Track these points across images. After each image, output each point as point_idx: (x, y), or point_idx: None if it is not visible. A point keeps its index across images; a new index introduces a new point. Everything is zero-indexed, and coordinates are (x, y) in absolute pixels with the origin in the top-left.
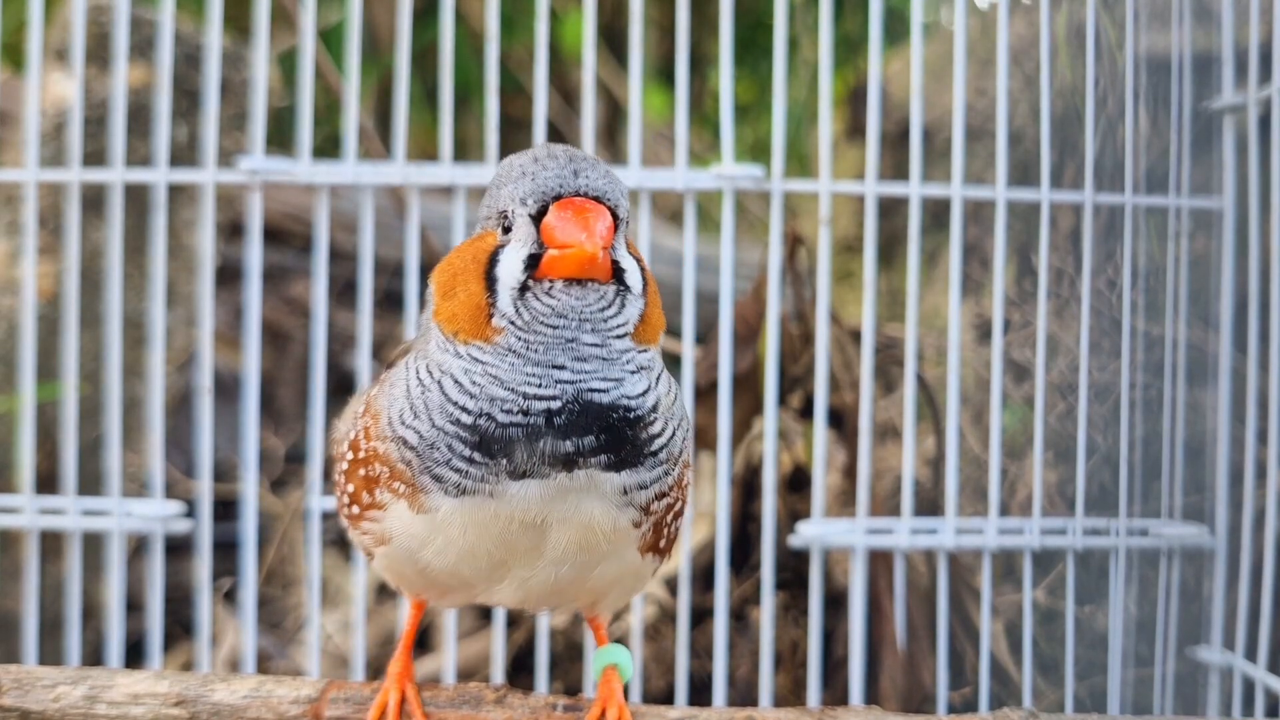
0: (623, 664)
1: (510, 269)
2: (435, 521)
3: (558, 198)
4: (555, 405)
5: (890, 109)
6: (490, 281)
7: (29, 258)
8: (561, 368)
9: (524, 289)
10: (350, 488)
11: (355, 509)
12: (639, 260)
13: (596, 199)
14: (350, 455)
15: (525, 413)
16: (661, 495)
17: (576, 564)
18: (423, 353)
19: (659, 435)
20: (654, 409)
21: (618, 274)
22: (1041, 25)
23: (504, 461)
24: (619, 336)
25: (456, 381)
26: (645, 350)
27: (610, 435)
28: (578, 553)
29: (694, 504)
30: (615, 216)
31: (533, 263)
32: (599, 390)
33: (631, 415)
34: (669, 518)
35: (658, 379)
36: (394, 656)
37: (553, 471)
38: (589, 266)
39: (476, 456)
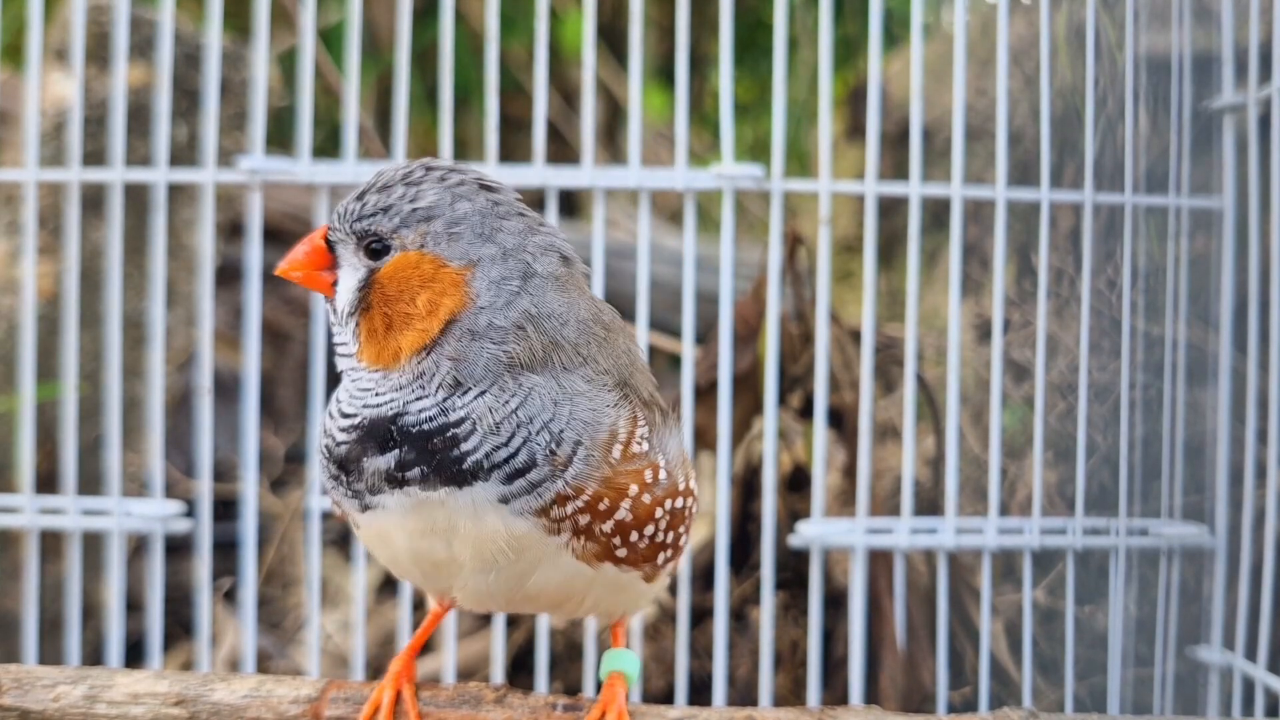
0: (629, 670)
1: None
2: (365, 535)
3: None
4: (356, 420)
5: (890, 109)
6: None
7: (29, 257)
8: (357, 382)
9: None
10: None
11: None
12: (376, 281)
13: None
14: None
15: (345, 430)
16: (564, 499)
17: (503, 573)
18: None
19: (477, 450)
20: (460, 423)
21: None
22: (1041, 25)
23: (354, 478)
24: (344, 355)
25: (329, 410)
26: (376, 371)
27: (413, 450)
28: (489, 560)
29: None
30: (346, 235)
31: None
32: (376, 405)
33: (415, 430)
34: (603, 525)
35: (468, 392)
36: (398, 654)
37: (387, 487)
38: (295, 279)
39: (341, 476)
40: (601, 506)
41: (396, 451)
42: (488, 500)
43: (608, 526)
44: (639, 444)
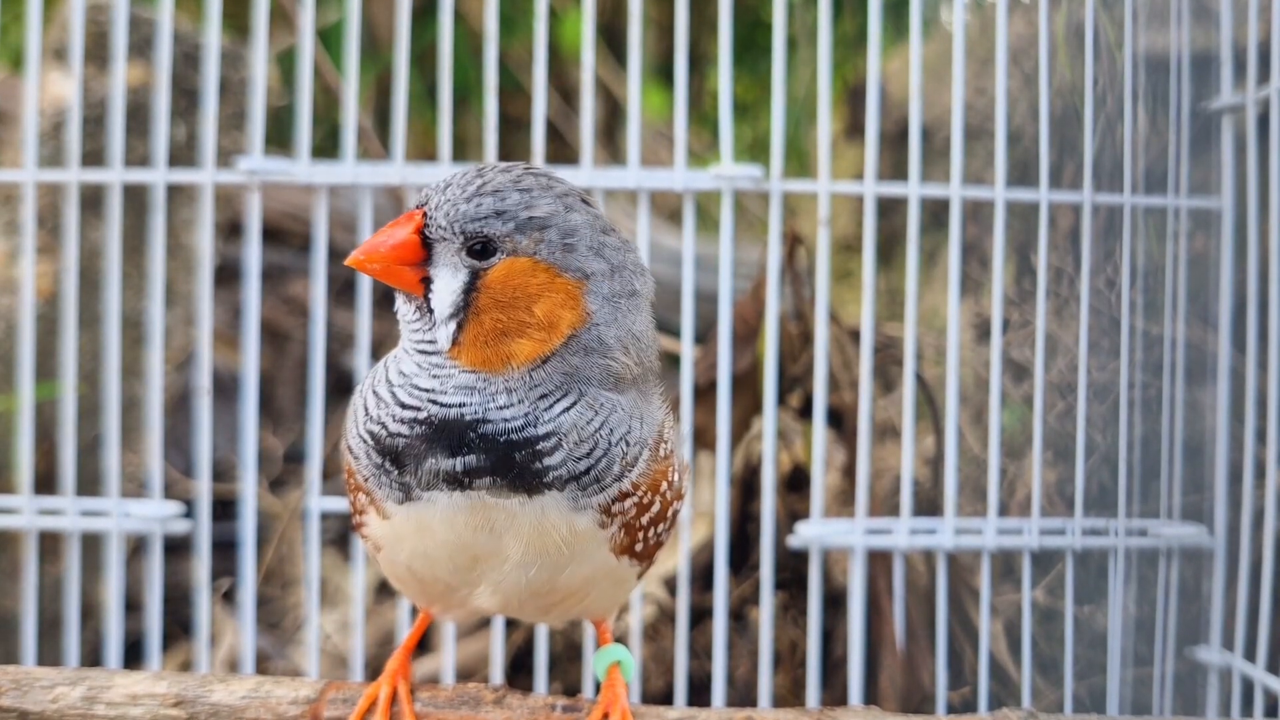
0: (624, 662)
1: None
2: (395, 527)
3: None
4: (420, 415)
5: (889, 108)
6: None
7: (28, 257)
8: (420, 377)
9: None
10: (350, 498)
11: (356, 517)
12: (487, 284)
13: (427, 210)
14: (346, 472)
15: (398, 420)
16: (623, 496)
17: (544, 565)
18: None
19: (563, 464)
20: (547, 437)
21: (428, 291)
22: (1040, 24)
23: (407, 473)
24: (426, 353)
25: (374, 390)
26: (474, 373)
27: (490, 458)
28: (539, 555)
29: (693, 504)
30: (433, 229)
31: None
32: (450, 405)
33: (501, 440)
34: (642, 519)
35: (556, 404)
36: (394, 654)
37: (445, 487)
38: (372, 272)
39: (386, 465)
40: (646, 500)
41: (471, 457)
42: (555, 504)
43: (645, 520)
44: (667, 444)
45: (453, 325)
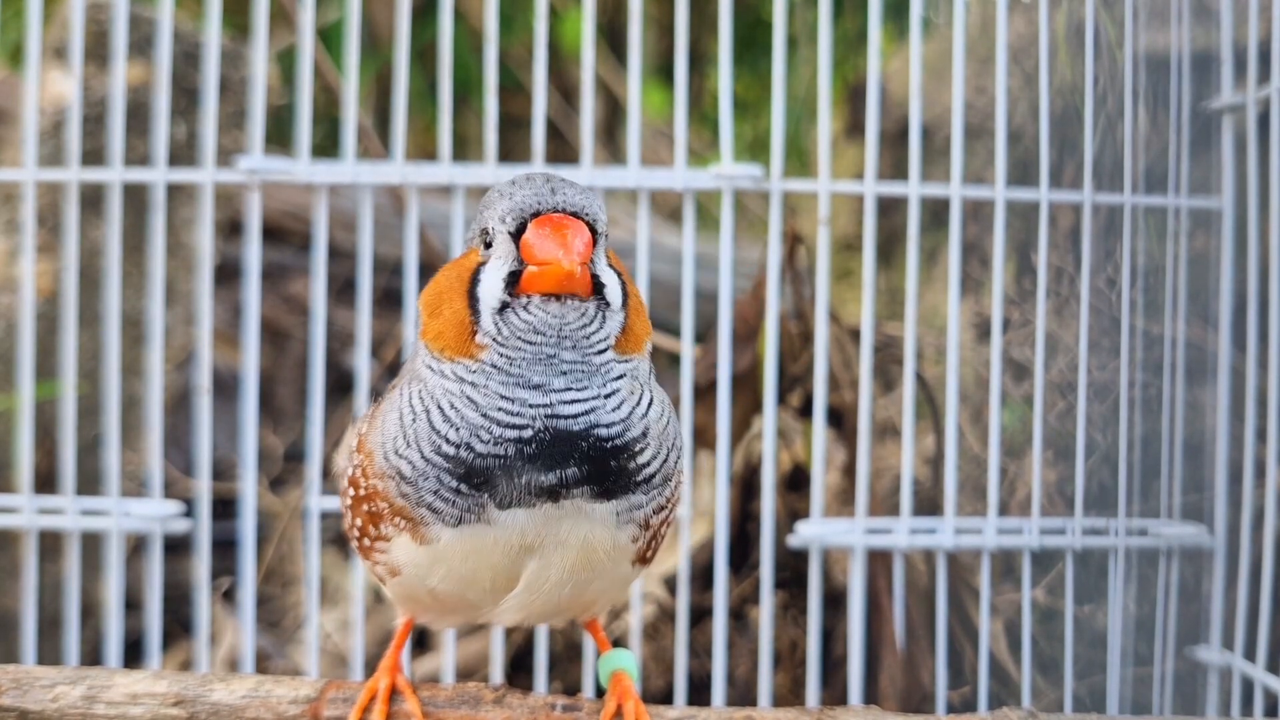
0: (629, 668)
1: (491, 287)
2: (437, 551)
3: (536, 214)
4: (526, 434)
5: (890, 107)
6: (473, 299)
7: (28, 256)
8: (538, 388)
9: (504, 306)
10: (358, 522)
11: (365, 541)
12: (621, 272)
13: (574, 214)
14: (352, 491)
15: (498, 441)
16: (659, 509)
17: (578, 582)
18: (414, 377)
19: (648, 464)
20: (642, 436)
21: (597, 288)
22: (1041, 23)
23: (488, 493)
24: (599, 352)
25: (440, 408)
26: (627, 360)
27: (592, 466)
28: (579, 572)
29: (693, 503)
30: (593, 231)
31: (513, 280)
32: (568, 417)
33: (609, 445)
34: (663, 530)
35: (644, 399)
36: (387, 652)
37: (537, 501)
38: (566, 282)
39: (463, 488)
40: (671, 513)
41: (575, 469)
42: (615, 510)
43: (664, 529)
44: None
45: (623, 316)
